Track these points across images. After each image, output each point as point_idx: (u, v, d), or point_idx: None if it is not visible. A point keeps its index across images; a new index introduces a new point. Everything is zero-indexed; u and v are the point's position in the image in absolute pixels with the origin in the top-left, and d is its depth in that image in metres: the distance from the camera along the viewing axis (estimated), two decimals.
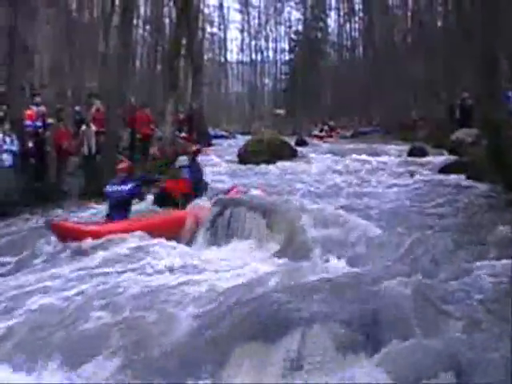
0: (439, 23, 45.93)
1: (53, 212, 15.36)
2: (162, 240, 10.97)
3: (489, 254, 8.43)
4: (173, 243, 10.99)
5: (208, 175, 17.98)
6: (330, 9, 78.10)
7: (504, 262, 7.75)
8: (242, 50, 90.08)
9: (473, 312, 6.09)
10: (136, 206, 12.93)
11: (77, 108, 24.30)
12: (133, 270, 9.16)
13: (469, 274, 7.35)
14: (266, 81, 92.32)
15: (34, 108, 18.12)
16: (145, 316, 6.76)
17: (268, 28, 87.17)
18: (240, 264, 9.45)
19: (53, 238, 11.37)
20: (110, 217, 12.39)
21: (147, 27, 51.56)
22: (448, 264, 8.16)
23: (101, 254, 10.15)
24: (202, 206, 12.37)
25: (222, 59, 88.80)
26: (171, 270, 9.13)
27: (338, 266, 8.53)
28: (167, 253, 10.26)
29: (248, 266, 9.22)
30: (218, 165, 24.67)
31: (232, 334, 5.88)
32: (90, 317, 6.87)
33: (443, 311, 6.12)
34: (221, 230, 11.15)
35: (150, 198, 13.93)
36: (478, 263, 7.95)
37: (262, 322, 5.90)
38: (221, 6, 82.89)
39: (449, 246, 9.25)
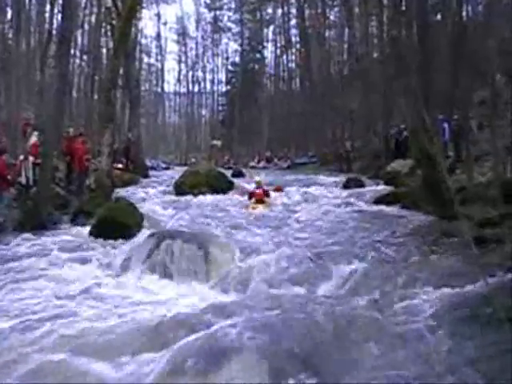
0: (375, 55, 46.57)
1: None
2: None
3: (425, 282, 8.56)
4: (109, 272, 10.97)
5: (144, 207, 17.92)
6: (267, 40, 78.98)
7: (440, 289, 7.92)
8: (179, 80, 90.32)
9: (414, 338, 6.21)
10: None
11: None
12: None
13: (405, 302, 7.49)
14: (204, 112, 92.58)
15: None
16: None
17: (205, 59, 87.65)
18: (177, 296, 9.42)
19: None
20: None
21: (84, 57, 51.24)
22: (384, 292, 8.29)
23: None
24: None
25: (160, 90, 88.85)
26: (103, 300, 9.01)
27: (274, 295, 8.56)
28: (102, 283, 10.18)
29: (185, 298, 9.20)
30: (155, 196, 24.47)
31: (169, 366, 5.84)
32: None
33: (383, 337, 6.22)
34: (158, 262, 11.07)
35: None
36: (413, 291, 8.10)
37: (199, 353, 5.89)
38: (158, 37, 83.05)
39: (385, 276, 9.37)
